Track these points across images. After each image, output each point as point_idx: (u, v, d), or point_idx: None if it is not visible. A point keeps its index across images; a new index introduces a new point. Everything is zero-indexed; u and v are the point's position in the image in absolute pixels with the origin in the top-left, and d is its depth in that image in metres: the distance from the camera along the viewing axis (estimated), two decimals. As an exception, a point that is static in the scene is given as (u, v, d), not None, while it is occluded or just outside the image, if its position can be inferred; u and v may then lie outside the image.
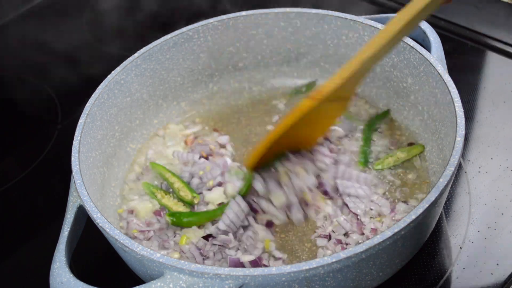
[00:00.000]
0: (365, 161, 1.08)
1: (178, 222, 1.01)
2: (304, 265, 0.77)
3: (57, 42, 1.57)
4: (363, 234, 0.97)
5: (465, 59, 1.32)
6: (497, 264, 0.95)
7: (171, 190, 1.07)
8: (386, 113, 1.16)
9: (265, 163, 1.01)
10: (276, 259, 0.96)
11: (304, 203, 1.01)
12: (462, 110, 0.92)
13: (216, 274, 0.77)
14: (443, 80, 0.98)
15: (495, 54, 1.33)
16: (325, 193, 1.02)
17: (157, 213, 1.04)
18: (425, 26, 1.09)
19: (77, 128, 0.98)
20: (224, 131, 1.19)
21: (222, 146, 1.15)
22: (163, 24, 1.55)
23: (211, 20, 1.17)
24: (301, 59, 1.23)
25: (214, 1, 1.57)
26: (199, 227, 1.01)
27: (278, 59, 1.23)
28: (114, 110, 1.09)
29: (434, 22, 1.30)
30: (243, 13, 1.17)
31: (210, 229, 0.99)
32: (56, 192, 1.17)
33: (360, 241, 0.96)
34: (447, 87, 0.96)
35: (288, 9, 1.16)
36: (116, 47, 1.51)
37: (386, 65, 1.12)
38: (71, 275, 0.84)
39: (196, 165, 1.09)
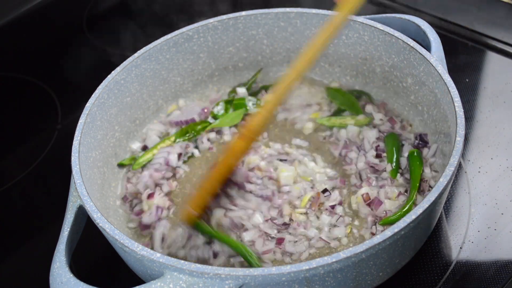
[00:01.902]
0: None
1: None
2: (304, 265, 0.77)
3: (57, 42, 1.57)
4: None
5: (465, 59, 1.32)
6: (497, 264, 0.95)
7: None
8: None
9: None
10: None
11: None
12: (462, 110, 0.92)
13: (216, 274, 0.77)
14: (443, 80, 0.97)
15: (495, 54, 1.32)
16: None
17: None
18: (425, 26, 1.09)
19: (77, 128, 0.98)
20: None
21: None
22: (163, 24, 1.55)
23: (211, 20, 1.17)
24: (301, 59, 1.23)
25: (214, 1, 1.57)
26: None
27: (278, 59, 1.23)
28: (114, 110, 1.09)
29: (434, 22, 1.30)
30: (243, 13, 1.17)
31: None
32: (56, 192, 1.17)
33: None
34: (447, 87, 0.96)
35: (288, 9, 1.16)
36: (116, 46, 1.51)
37: (386, 65, 1.12)
38: (71, 275, 0.84)
39: None
